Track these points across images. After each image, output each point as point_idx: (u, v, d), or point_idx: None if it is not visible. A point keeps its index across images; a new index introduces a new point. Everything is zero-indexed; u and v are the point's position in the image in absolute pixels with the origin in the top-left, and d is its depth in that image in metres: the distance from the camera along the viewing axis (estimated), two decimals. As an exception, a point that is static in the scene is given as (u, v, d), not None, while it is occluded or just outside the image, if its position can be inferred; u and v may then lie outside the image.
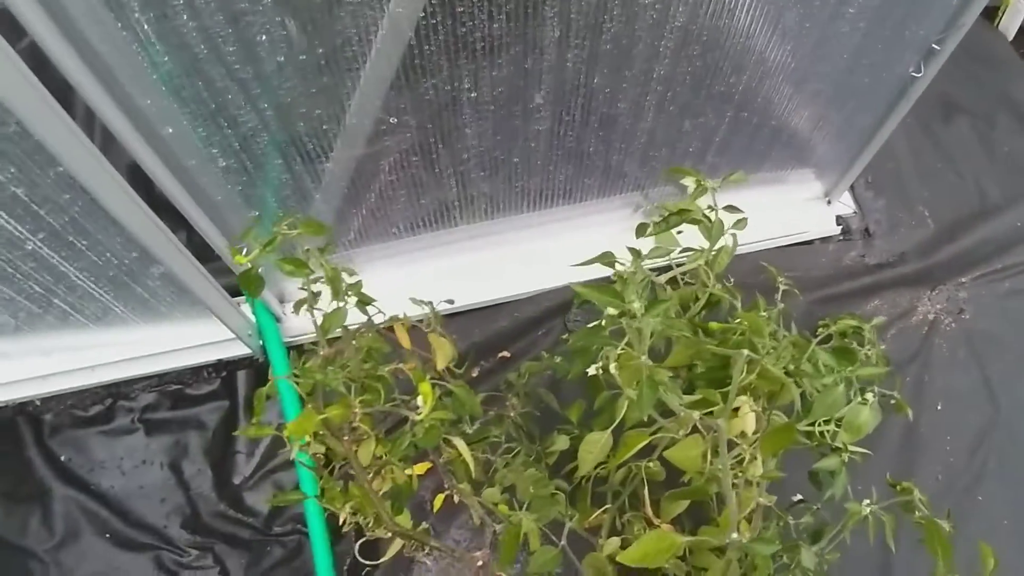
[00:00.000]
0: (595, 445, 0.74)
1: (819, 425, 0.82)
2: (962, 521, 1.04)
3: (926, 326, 1.15)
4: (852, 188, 1.19)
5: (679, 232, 1.01)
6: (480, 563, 0.76)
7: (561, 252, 1.06)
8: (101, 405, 1.11)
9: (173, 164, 0.77)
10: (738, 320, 0.95)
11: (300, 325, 1.06)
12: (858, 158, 1.09)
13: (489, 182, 0.98)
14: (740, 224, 0.89)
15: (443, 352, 0.68)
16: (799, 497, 0.94)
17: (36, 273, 0.85)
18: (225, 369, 1.10)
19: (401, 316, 0.72)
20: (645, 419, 0.63)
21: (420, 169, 0.93)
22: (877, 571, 1.00)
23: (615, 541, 0.78)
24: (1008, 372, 1.14)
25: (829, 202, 1.16)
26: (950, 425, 1.09)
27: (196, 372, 1.10)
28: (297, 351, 0.74)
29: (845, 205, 1.17)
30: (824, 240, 1.16)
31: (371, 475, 0.62)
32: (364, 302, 0.64)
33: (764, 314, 0.94)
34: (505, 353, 1.07)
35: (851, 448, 0.81)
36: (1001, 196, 1.27)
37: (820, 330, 0.93)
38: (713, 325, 0.80)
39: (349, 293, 0.62)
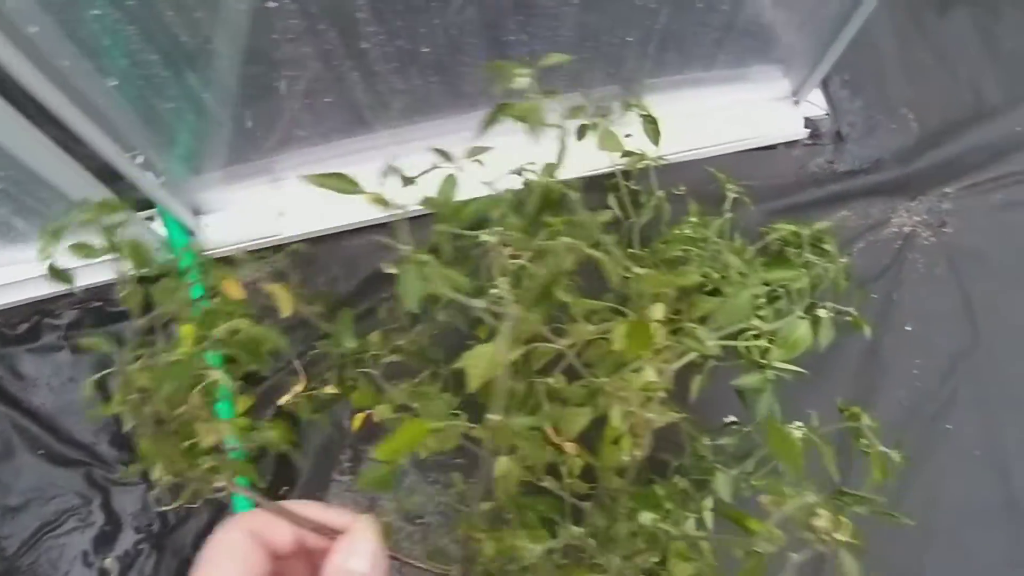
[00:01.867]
0: (481, 359, 0.68)
1: (747, 340, 0.74)
2: (927, 451, 0.96)
3: (900, 240, 1.03)
4: (826, 87, 1.07)
5: (628, 136, 0.91)
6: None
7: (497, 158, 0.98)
8: (27, 323, 1.09)
9: (45, 66, 0.70)
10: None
11: (216, 238, 1.00)
12: (828, 50, 0.96)
13: (401, 77, 0.90)
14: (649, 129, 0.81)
15: (284, 301, 0.62)
16: (731, 419, 0.87)
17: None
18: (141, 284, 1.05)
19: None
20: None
21: (318, 63, 0.85)
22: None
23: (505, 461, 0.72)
24: (992, 293, 1.02)
25: (797, 102, 1.04)
26: (919, 348, 0.99)
27: (115, 288, 1.06)
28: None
29: (816, 106, 1.05)
30: (789, 144, 1.04)
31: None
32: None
33: (693, 219, 0.85)
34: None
35: (780, 365, 0.73)
36: (1000, 98, 1.12)
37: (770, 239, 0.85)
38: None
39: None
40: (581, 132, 0.98)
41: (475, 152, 0.78)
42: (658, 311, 0.68)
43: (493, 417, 0.54)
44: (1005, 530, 0.96)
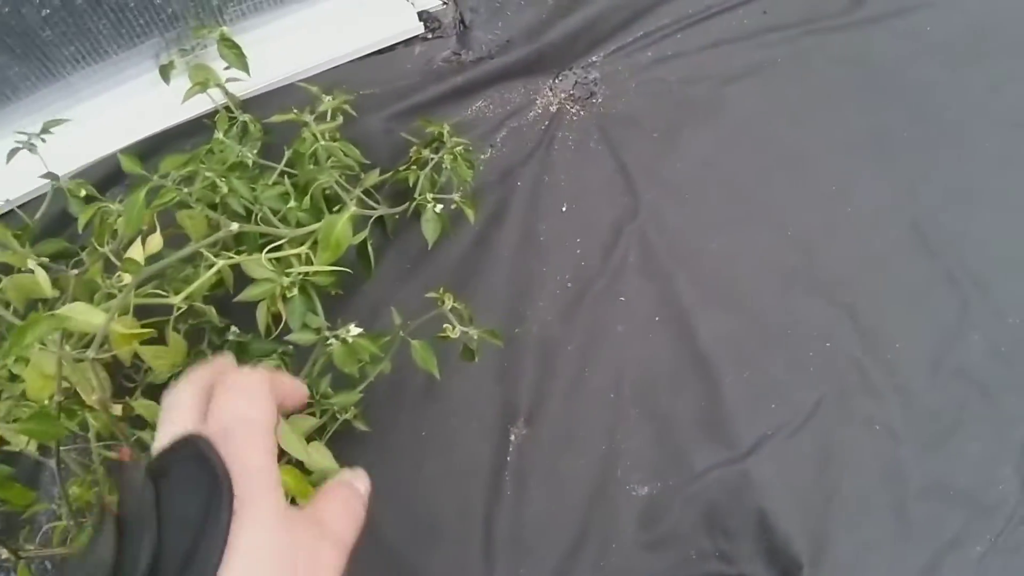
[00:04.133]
0: None
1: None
2: (602, 325, 0.91)
3: (547, 120, 0.98)
4: (440, -26, 1.00)
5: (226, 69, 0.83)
6: None
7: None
8: None
9: None
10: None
11: None
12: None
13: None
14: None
15: None
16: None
17: None
18: None
19: None
20: None
21: None
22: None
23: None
24: (648, 153, 0.98)
25: (409, -4, 0.97)
26: (578, 226, 0.94)
27: None
28: None
29: (430, -3, 0.98)
30: (407, 43, 0.97)
31: None
32: None
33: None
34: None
35: (313, 269, 0.65)
36: (636, -47, 1.08)
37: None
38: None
39: None
40: (164, 73, 0.88)
41: (52, 124, 0.69)
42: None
43: None
44: (698, 389, 0.92)
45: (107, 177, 0.91)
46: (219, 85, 0.84)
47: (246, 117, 0.82)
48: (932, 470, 0.91)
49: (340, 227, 0.63)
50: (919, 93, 1.06)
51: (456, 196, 0.80)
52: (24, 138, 0.76)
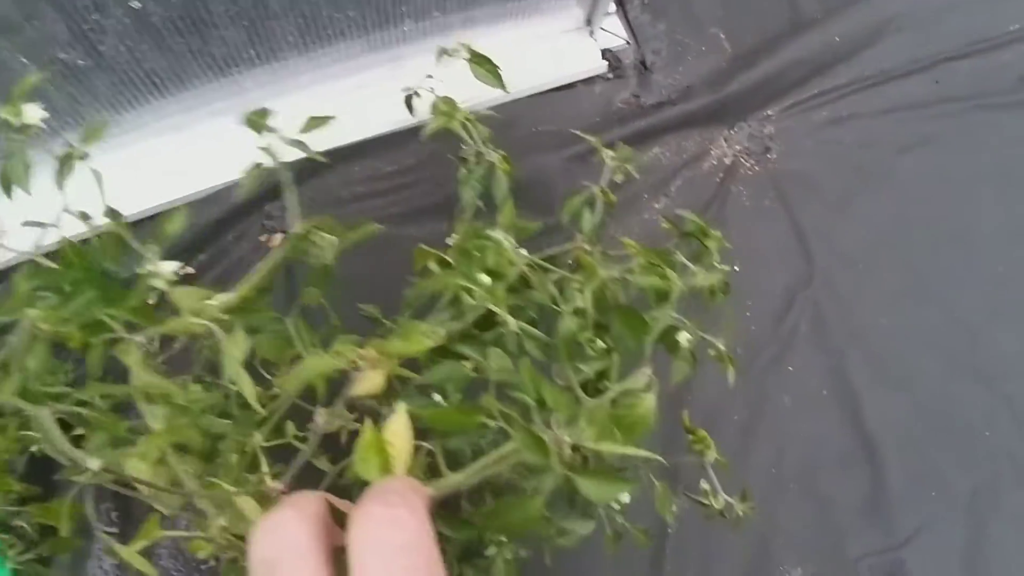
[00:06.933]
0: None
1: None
2: (769, 397, 0.87)
3: (721, 172, 0.94)
4: (624, 12, 0.96)
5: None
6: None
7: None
8: None
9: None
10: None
11: None
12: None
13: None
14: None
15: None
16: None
17: None
18: None
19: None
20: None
21: None
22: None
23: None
24: (824, 217, 0.94)
25: (592, 32, 0.93)
26: (750, 287, 0.90)
27: None
28: None
29: (614, 35, 0.94)
30: (587, 81, 0.93)
31: None
32: None
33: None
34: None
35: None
36: (817, 6, 1.04)
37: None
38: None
39: None
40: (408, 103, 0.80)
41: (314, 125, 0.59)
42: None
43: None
44: (861, 472, 0.88)
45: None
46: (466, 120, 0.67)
47: (495, 158, 0.63)
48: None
49: (646, 406, 0.40)
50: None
51: (721, 344, 0.60)
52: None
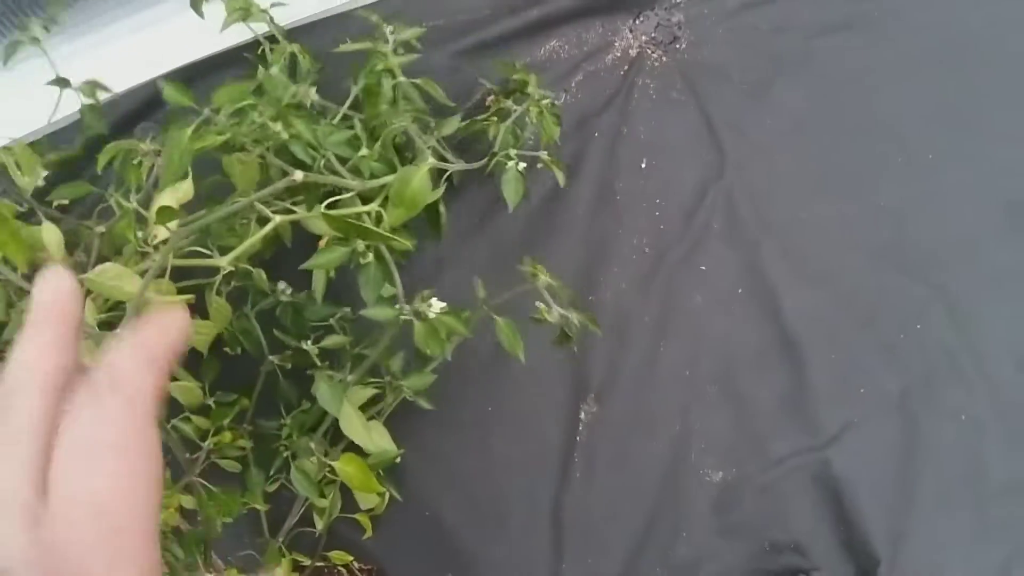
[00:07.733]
0: None
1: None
2: (680, 296, 0.82)
3: (626, 64, 0.88)
4: None
5: None
6: None
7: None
8: None
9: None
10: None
11: None
12: None
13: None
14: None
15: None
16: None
17: None
18: None
19: None
20: None
21: None
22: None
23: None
24: (736, 108, 0.88)
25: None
26: (659, 184, 0.85)
27: None
28: None
29: (505, -79, 0.87)
30: (476, -29, 0.86)
31: None
32: None
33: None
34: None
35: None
36: None
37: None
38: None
39: None
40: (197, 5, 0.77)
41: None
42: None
43: None
44: (782, 371, 0.84)
45: (132, 113, 0.81)
46: (264, 11, 0.73)
47: (295, 48, 0.71)
48: (1016, 468, 0.85)
49: (418, 181, 0.53)
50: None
51: (543, 154, 0.71)
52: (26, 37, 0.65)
